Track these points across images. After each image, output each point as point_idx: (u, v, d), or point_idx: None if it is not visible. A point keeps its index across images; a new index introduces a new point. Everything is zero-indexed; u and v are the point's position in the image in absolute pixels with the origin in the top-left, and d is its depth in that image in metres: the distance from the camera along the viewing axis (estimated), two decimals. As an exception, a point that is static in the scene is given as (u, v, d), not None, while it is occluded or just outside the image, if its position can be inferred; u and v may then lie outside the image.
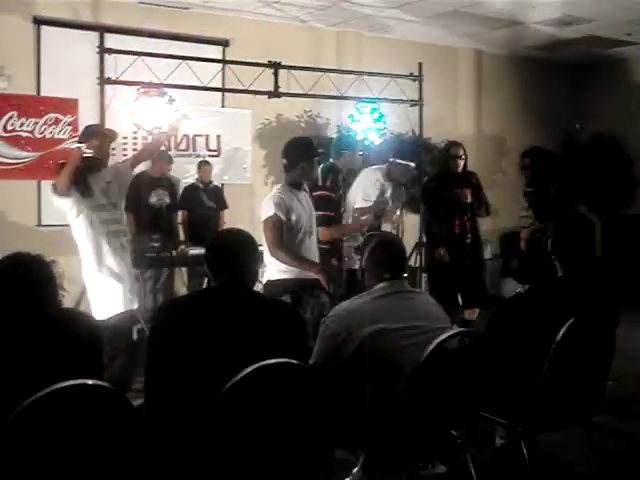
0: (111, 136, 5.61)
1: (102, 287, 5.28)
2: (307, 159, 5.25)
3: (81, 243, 5.33)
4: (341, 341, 3.30)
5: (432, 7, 9.16)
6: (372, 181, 6.91)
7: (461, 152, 6.90)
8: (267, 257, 5.12)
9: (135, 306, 5.43)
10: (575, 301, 3.79)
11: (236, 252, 3.12)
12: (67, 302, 6.13)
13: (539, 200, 6.94)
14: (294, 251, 5.12)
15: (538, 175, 7.05)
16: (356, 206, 6.73)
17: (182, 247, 7.87)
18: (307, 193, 5.45)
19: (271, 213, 5.07)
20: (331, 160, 6.74)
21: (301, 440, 2.92)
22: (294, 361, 2.76)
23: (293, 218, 5.13)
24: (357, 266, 6.17)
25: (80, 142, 5.30)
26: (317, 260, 5.33)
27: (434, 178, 7.34)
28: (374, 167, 7.10)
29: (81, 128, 8.19)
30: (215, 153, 9.38)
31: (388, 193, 6.94)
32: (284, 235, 5.10)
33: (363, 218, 6.31)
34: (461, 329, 3.42)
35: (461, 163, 6.90)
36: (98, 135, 5.39)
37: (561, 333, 3.53)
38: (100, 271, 5.27)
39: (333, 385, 3.22)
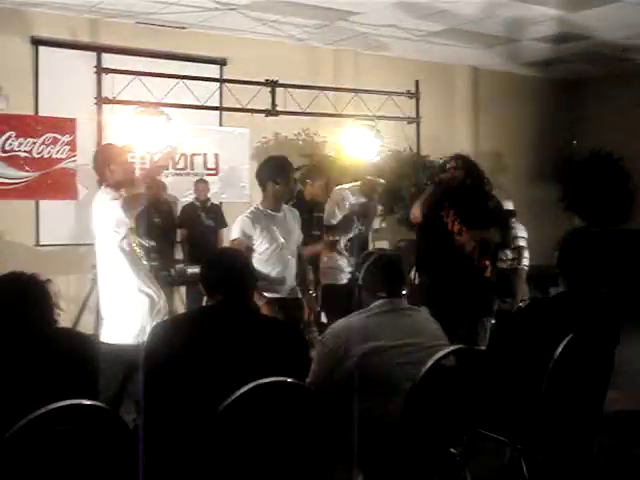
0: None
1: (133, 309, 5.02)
2: (273, 179, 5.26)
3: (117, 262, 4.89)
4: (339, 358, 3.29)
5: (427, 25, 9.21)
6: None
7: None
8: None
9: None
10: (576, 318, 3.77)
11: (231, 271, 3.12)
12: (65, 321, 6.11)
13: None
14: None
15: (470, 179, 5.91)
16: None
17: (180, 266, 7.85)
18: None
19: (234, 236, 5.21)
20: None
21: (299, 459, 2.90)
22: (290, 379, 2.76)
23: (258, 240, 5.18)
24: (343, 282, 6.27)
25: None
26: (292, 278, 5.34)
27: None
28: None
29: (79, 147, 8.34)
30: (213, 172, 9.40)
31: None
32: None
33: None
34: (459, 346, 3.40)
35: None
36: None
37: (559, 350, 3.51)
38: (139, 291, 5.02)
39: (331, 403, 3.20)
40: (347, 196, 6.78)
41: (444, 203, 5.63)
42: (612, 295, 4.09)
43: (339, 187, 6.81)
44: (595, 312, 3.86)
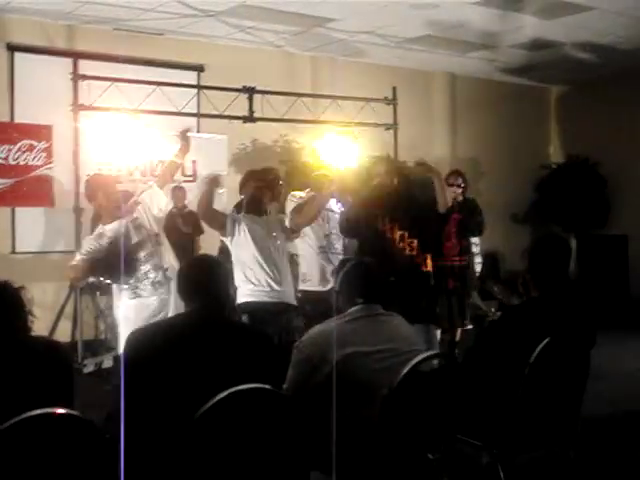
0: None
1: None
2: (244, 192, 5.83)
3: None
4: (314, 365, 3.28)
5: (405, 31, 9.24)
6: None
7: (459, 181, 7.16)
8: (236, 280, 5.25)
9: None
10: (550, 321, 3.79)
11: (205, 279, 3.12)
12: (41, 330, 6.07)
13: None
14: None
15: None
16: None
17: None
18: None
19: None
20: None
21: (276, 465, 2.89)
22: (267, 386, 2.75)
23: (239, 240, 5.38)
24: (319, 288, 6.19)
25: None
26: (282, 273, 5.43)
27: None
28: None
29: (55, 154, 8.29)
30: (191, 178, 9.35)
31: None
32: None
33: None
34: (435, 352, 3.41)
35: (458, 191, 7.14)
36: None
37: (535, 354, 3.53)
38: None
39: (307, 409, 3.20)
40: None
41: (376, 211, 5.66)
42: (586, 298, 4.12)
43: (293, 193, 6.73)
44: (569, 315, 3.88)
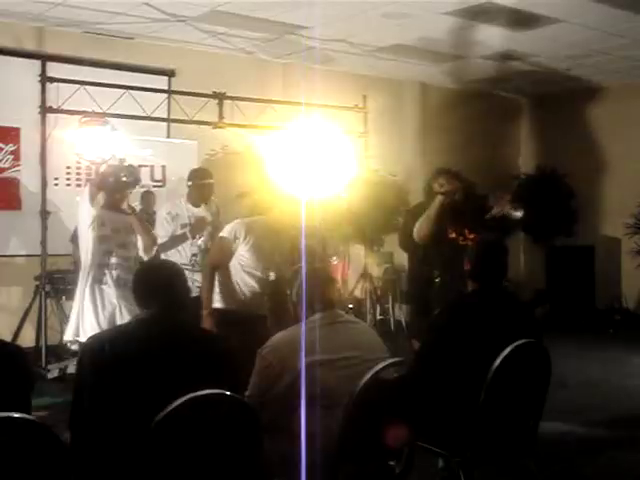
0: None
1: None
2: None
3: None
4: (277, 372, 3.28)
5: (376, 40, 9.28)
6: None
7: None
8: None
9: None
10: (489, 314, 3.87)
11: (162, 284, 3.09)
12: (4, 334, 6.02)
13: None
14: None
15: None
16: None
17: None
18: None
19: (223, 234, 5.42)
20: None
21: (236, 474, 2.88)
22: (227, 392, 2.73)
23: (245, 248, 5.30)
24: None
25: None
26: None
27: None
28: None
29: (23, 157, 8.22)
30: (160, 183, 9.30)
31: None
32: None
33: None
34: (396, 359, 3.41)
35: None
36: None
37: (498, 361, 3.55)
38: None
39: (270, 417, 3.19)
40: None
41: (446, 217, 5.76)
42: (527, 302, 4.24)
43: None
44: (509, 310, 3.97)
